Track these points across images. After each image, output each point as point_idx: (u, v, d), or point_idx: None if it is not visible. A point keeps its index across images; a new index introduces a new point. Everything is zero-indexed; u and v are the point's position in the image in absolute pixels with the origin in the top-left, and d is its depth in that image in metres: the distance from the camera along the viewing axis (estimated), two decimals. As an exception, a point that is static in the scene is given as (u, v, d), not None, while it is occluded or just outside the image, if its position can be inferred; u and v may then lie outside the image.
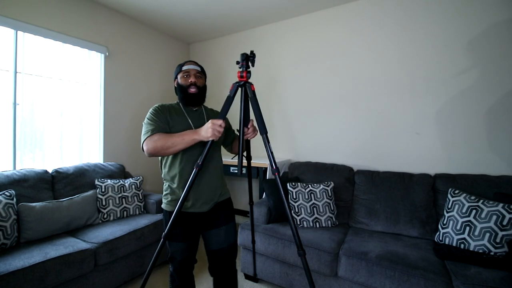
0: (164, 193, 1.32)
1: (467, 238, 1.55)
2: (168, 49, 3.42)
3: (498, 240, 1.47)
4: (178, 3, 2.57)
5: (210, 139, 1.09)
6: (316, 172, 2.39)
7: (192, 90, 1.28)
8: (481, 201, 1.60)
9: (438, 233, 1.73)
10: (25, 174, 1.92)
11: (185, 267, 1.32)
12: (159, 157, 1.30)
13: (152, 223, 2.09)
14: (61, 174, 2.12)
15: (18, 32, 2.05)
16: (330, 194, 2.11)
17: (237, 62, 1.15)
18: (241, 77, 1.15)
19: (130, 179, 2.35)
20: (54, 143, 2.32)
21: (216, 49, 3.49)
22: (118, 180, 2.26)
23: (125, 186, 2.25)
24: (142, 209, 2.30)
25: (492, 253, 1.47)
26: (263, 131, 1.10)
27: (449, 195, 1.76)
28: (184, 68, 1.30)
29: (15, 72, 2.04)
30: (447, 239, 1.64)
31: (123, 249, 1.85)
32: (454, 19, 2.06)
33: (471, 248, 1.52)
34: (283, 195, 1.07)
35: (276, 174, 1.06)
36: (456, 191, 1.74)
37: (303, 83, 2.79)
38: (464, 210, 1.62)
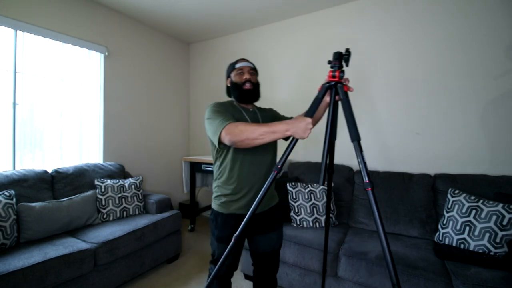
0: (215, 194, 1.28)
1: (467, 238, 1.55)
2: (168, 49, 3.42)
3: (498, 240, 1.47)
4: (178, 3, 2.57)
5: (303, 138, 1.01)
6: (316, 172, 2.39)
7: (247, 86, 1.26)
8: (481, 201, 1.60)
9: (438, 233, 1.73)
10: (24, 174, 1.91)
11: (228, 273, 1.30)
12: (214, 155, 1.27)
13: (152, 223, 2.09)
14: (60, 174, 2.11)
15: (18, 32, 2.05)
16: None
17: (329, 62, 1.06)
18: (333, 77, 1.03)
19: (130, 179, 2.35)
20: (53, 143, 2.31)
21: (216, 49, 3.49)
22: (117, 180, 2.26)
23: (125, 186, 2.25)
24: (142, 209, 2.30)
25: (492, 253, 1.47)
26: (355, 138, 0.93)
27: (449, 195, 1.76)
28: (238, 65, 1.28)
29: (15, 72, 2.04)
30: (447, 239, 1.64)
31: (122, 249, 1.85)
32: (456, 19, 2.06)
33: (471, 248, 1.52)
34: (377, 215, 0.85)
35: (370, 189, 0.87)
36: (456, 191, 1.74)
37: (303, 82, 2.79)
38: (464, 210, 1.62)
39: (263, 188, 1.01)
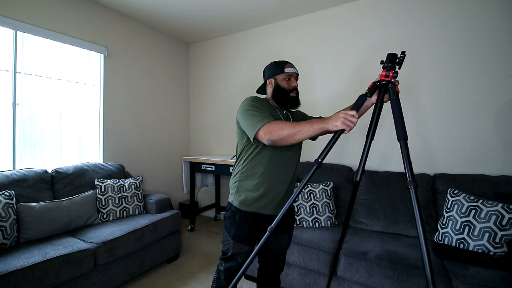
0: (236, 189, 1.25)
1: (467, 238, 1.55)
2: (168, 49, 3.42)
3: (497, 240, 1.47)
4: (178, 3, 2.57)
5: (340, 128, 0.98)
6: (315, 172, 2.39)
7: (293, 94, 1.25)
8: (481, 201, 1.61)
9: (437, 233, 1.73)
10: (24, 174, 1.92)
11: (237, 271, 1.29)
12: (240, 149, 1.25)
13: (151, 223, 2.09)
14: (60, 174, 2.12)
15: (18, 32, 2.05)
16: (329, 194, 2.11)
17: (381, 62, 1.07)
18: (386, 76, 1.05)
19: (130, 179, 2.35)
20: (53, 143, 2.32)
21: (216, 49, 3.49)
22: (117, 180, 2.26)
23: (125, 186, 2.25)
24: (142, 209, 2.30)
25: (491, 253, 1.47)
26: (403, 137, 0.94)
27: (448, 195, 1.76)
28: (288, 70, 1.26)
29: (15, 72, 2.04)
30: (446, 239, 1.64)
31: (122, 249, 1.85)
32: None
33: (471, 248, 1.53)
34: (418, 214, 0.85)
35: (413, 187, 0.87)
36: (456, 191, 1.74)
37: (304, 82, 2.79)
38: (463, 210, 1.62)
39: (301, 184, 1.04)
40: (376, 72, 1.17)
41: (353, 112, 0.98)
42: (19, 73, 2.07)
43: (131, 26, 2.93)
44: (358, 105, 1.06)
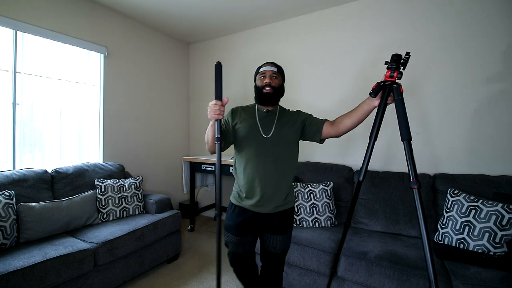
0: (234, 185, 1.40)
1: (467, 238, 1.55)
2: (167, 49, 3.42)
3: (497, 240, 1.47)
4: (178, 3, 2.57)
5: (213, 119, 1.14)
6: (315, 172, 2.39)
7: (266, 90, 1.28)
8: (481, 201, 1.61)
9: (437, 233, 1.73)
10: (24, 174, 1.92)
11: (236, 259, 1.39)
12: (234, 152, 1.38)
13: (151, 223, 2.09)
14: (60, 174, 2.12)
15: (18, 32, 2.05)
16: (329, 194, 2.11)
17: (386, 63, 1.08)
18: (390, 77, 1.06)
19: (130, 179, 2.35)
20: (53, 143, 2.32)
21: (216, 49, 3.49)
22: (117, 180, 2.26)
23: (125, 186, 2.25)
24: (142, 209, 2.30)
25: (491, 253, 1.47)
26: (407, 137, 0.97)
27: (448, 195, 1.76)
28: (261, 69, 1.33)
29: (15, 72, 2.04)
30: (446, 239, 1.64)
31: (122, 249, 1.85)
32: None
33: (471, 248, 1.53)
34: (421, 214, 0.86)
35: (416, 188, 0.88)
36: (456, 191, 1.74)
37: (304, 82, 2.79)
38: (463, 210, 1.62)
39: (217, 159, 1.15)
40: (380, 73, 1.17)
41: (213, 102, 1.11)
42: (19, 73, 2.07)
43: (131, 26, 2.93)
44: (218, 92, 1.14)
